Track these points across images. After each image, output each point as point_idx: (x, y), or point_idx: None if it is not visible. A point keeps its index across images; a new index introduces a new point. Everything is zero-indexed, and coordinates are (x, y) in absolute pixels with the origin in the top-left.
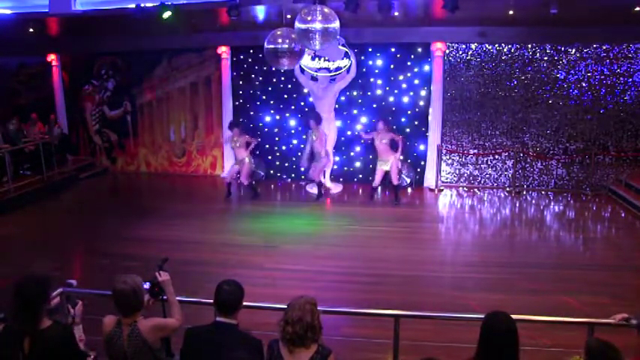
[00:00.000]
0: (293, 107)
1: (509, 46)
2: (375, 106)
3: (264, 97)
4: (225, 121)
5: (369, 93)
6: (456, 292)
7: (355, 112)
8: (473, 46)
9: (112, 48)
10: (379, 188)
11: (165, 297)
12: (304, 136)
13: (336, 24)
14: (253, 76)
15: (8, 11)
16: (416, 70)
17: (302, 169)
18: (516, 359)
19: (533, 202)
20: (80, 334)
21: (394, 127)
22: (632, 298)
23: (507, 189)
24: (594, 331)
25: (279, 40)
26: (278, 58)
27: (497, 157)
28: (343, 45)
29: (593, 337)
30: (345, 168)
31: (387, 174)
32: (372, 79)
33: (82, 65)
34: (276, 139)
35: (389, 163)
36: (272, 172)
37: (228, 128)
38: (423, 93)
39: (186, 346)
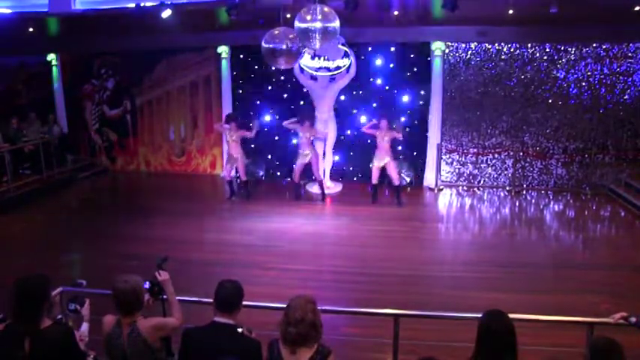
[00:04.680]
0: (293, 107)
1: (509, 46)
2: (374, 105)
3: (263, 97)
4: None
5: (368, 92)
6: (456, 292)
7: (355, 111)
8: (472, 45)
9: (111, 47)
10: (377, 186)
11: (165, 296)
12: (294, 141)
13: (336, 23)
14: (253, 75)
15: (8, 11)
16: (415, 69)
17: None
18: (515, 359)
19: (533, 201)
20: (83, 333)
21: (394, 126)
22: (632, 298)
23: (507, 188)
24: (594, 330)
25: (277, 40)
26: (275, 57)
27: (496, 156)
28: (343, 44)
29: (598, 335)
30: (345, 167)
31: (384, 171)
32: (371, 79)
33: (81, 65)
34: (276, 138)
35: (385, 161)
36: (271, 171)
37: (225, 121)
38: (422, 92)
39: (183, 347)
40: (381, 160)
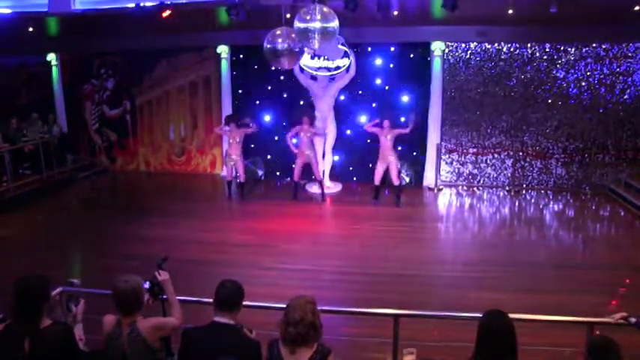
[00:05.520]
0: (292, 107)
1: (509, 46)
2: (374, 105)
3: (263, 97)
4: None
5: (368, 92)
6: (456, 292)
7: (355, 111)
8: (472, 45)
9: (111, 47)
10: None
11: (165, 296)
12: (294, 140)
13: (335, 23)
14: (253, 75)
15: (8, 10)
16: (415, 69)
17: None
18: (515, 358)
19: (533, 201)
20: (80, 334)
21: (411, 117)
22: (632, 298)
23: (507, 188)
24: (594, 330)
25: (279, 40)
26: (277, 57)
27: (496, 156)
28: (343, 44)
29: (595, 335)
30: (345, 167)
31: (386, 172)
32: (371, 79)
33: (81, 64)
34: (276, 138)
35: (388, 161)
36: (271, 171)
37: (225, 122)
38: (422, 92)
39: (183, 347)
40: (385, 159)
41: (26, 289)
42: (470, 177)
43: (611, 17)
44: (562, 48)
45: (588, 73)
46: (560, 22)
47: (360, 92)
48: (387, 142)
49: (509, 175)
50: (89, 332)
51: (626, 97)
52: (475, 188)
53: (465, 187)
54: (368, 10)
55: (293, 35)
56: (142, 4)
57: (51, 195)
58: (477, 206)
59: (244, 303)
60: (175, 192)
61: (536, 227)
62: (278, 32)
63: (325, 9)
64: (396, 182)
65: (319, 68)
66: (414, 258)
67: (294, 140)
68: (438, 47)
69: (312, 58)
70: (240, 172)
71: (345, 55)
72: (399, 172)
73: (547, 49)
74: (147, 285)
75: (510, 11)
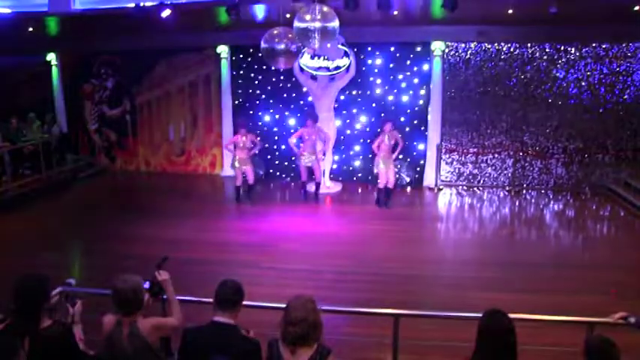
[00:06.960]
0: (292, 106)
1: (509, 45)
2: (374, 105)
3: (263, 97)
4: (225, 121)
5: (368, 92)
6: (456, 291)
7: (354, 111)
8: (472, 45)
9: (111, 47)
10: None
11: (164, 296)
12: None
13: (335, 23)
14: (252, 75)
15: (8, 10)
16: (415, 69)
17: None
18: (514, 358)
19: (533, 201)
20: (80, 334)
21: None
22: (632, 298)
23: (507, 188)
24: (593, 330)
25: (276, 40)
26: (275, 57)
27: (496, 156)
28: (342, 44)
29: (593, 335)
30: (344, 167)
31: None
32: (371, 78)
33: (81, 64)
34: (276, 138)
35: (390, 163)
36: (271, 171)
37: (236, 131)
38: (422, 92)
39: (183, 346)
40: (387, 162)
41: (26, 289)
42: (470, 177)
43: (611, 17)
44: (562, 48)
45: (588, 73)
46: (560, 22)
47: (360, 92)
48: (389, 144)
49: (509, 175)
50: (89, 332)
51: (626, 97)
52: (475, 188)
53: (465, 187)
54: (368, 10)
55: (290, 35)
56: (141, 4)
57: (51, 195)
58: (477, 206)
59: (244, 303)
60: (175, 192)
61: (536, 227)
62: (275, 32)
63: (325, 8)
64: (390, 185)
65: (319, 68)
66: (414, 258)
67: (294, 140)
68: (438, 47)
69: (312, 58)
70: (250, 175)
71: (345, 54)
72: (398, 173)
73: (547, 49)
74: (147, 285)
75: (510, 11)
